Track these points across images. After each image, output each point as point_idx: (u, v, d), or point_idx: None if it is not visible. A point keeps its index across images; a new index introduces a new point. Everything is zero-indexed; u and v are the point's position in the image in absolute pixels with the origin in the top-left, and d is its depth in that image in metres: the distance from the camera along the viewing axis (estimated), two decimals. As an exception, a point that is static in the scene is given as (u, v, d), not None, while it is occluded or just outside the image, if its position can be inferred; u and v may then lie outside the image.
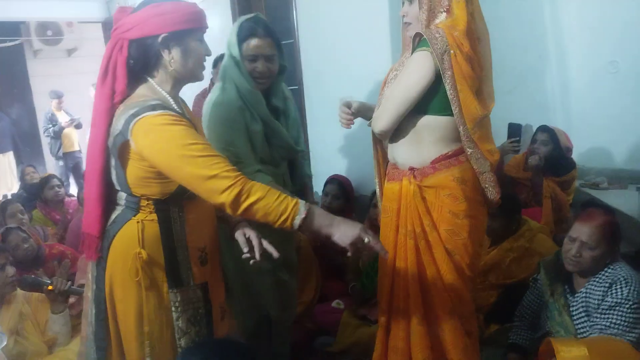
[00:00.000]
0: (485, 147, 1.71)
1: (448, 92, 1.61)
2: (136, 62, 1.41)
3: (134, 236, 1.42)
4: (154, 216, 1.43)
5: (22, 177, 4.91)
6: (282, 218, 1.30)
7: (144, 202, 1.43)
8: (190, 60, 1.43)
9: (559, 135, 3.19)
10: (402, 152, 1.77)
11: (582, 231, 1.90)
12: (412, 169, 1.74)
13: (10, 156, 6.83)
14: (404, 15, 1.73)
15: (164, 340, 1.47)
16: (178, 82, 1.47)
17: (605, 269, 1.91)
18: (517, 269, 2.54)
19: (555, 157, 3.14)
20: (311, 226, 1.33)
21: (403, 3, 1.74)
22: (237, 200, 1.29)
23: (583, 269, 1.93)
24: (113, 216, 1.47)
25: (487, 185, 1.75)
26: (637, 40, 3.49)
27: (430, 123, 1.69)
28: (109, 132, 1.40)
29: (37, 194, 4.10)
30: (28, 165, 5.37)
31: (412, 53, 1.68)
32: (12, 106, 7.89)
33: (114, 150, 1.40)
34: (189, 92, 1.88)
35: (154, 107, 1.34)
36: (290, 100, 2.08)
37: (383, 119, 1.70)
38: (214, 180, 1.29)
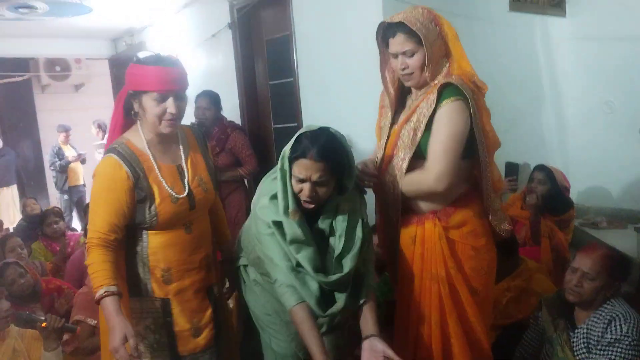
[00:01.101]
0: (496, 175, 1.75)
1: (477, 136, 1.64)
2: (124, 107, 1.75)
3: None
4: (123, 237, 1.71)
5: (23, 209, 4.96)
6: (93, 290, 1.59)
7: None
8: (148, 116, 1.67)
9: (555, 174, 3.20)
10: (424, 204, 1.77)
11: (583, 262, 1.96)
12: (434, 212, 1.74)
13: (14, 189, 6.87)
14: (404, 68, 1.70)
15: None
16: (154, 131, 1.71)
17: (605, 305, 1.93)
18: (515, 310, 2.52)
19: (552, 196, 3.15)
20: (103, 309, 1.58)
21: (392, 56, 1.74)
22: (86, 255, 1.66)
23: (583, 300, 1.96)
24: None
25: (497, 222, 1.78)
26: (631, 81, 3.56)
27: None
28: None
29: (38, 225, 4.14)
30: (29, 197, 5.43)
31: (437, 102, 1.65)
32: (19, 140, 8.00)
33: None
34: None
35: (109, 151, 1.68)
36: (344, 211, 1.68)
37: (446, 175, 1.64)
38: (89, 230, 1.66)
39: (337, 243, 1.66)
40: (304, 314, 1.57)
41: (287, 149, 1.59)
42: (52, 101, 8.39)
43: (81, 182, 6.83)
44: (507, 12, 3.55)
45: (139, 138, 1.71)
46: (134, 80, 1.65)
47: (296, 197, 1.60)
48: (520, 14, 3.65)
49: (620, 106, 3.59)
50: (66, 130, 6.80)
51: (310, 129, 1.59)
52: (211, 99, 3.55)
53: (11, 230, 4.89)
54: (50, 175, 7.30)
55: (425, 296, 1.76)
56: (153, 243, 1.73)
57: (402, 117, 1.78)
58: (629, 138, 3.52)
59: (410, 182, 1.71)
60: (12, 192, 6.85)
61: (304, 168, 1.55)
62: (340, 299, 1.64)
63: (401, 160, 1.72)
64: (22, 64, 7.80)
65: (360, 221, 1.68)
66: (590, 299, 1.94)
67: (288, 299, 1.59)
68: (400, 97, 1.84)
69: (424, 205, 1.76)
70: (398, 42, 1.68)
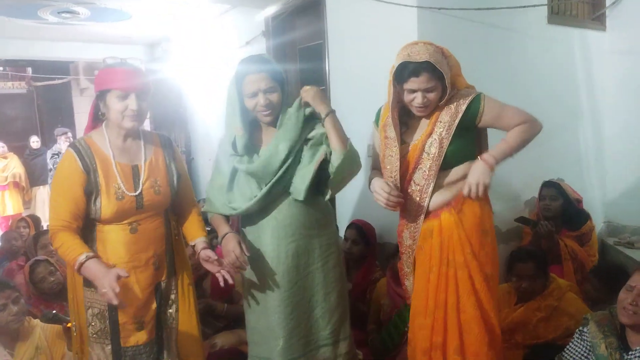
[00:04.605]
0: None
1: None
2: (94, 112, 1.92)
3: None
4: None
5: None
6: (71, 263, 1.73)
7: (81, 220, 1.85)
8: (112, 113, 1.82)
9: (565, 187, 3.11)
10: (440, 201, 1.91)
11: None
12: (447, 203, 1.90)
13: (48, 188, 7.06)
14: (425, 101, 1.82)
15: (82, 322, 1.90)
16: (118, 129, 1.86)
17: None
18: (544, 329, 2.44)
19: (567, 211, 3.06)
20: (86, 272, 1.72)
21: (408, 92, 1.84)
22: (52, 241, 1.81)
23: (637, 322, 1.83)
24: None
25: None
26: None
27: (461, 172, 1.89)
28: None
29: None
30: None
31: (464, 110, 1.84)
32: (56, 141, 8.21)
33: None
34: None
35: (69, 146, 1.85)
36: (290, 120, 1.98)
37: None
38: (52, 218, 1.80)
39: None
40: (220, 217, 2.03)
41: (233, 76, 1.91)
42: (90, 104, 8.61)
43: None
44: (545, 25, 3.48)
45: (101, 136, 1.87)
46: (100, 82, 1.83)
47: (245, 116, 1.92)
48: (558, 26, 3.57)
49: (661, 122, 3.48)
50: (64, 132, 6.97)
51: (245, 57, 1.93)
52: None
53: (45, 227, 5.01)
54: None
55: (442, 283, 1.89)
56: (100, 237, 1.86)
57: (417, 136, 1.92)
58: (670, 156, 3.40)
59: (518, 137, 1.84)
60: (47, 191, 7.04)
61: (253, 82, 1.86)
62: (263, 190, 1.91)
63: (428, 169, 1.88)
64: (62, 67, 8.05)
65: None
66: None
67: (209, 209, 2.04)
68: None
69: (437, 205, 1.91)
70: (422, 81, 1.79)
